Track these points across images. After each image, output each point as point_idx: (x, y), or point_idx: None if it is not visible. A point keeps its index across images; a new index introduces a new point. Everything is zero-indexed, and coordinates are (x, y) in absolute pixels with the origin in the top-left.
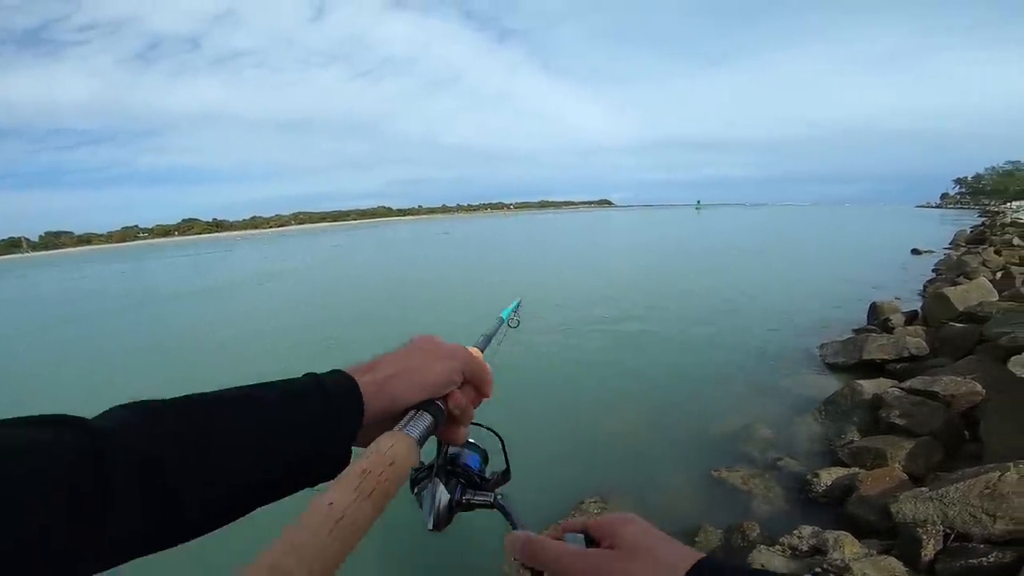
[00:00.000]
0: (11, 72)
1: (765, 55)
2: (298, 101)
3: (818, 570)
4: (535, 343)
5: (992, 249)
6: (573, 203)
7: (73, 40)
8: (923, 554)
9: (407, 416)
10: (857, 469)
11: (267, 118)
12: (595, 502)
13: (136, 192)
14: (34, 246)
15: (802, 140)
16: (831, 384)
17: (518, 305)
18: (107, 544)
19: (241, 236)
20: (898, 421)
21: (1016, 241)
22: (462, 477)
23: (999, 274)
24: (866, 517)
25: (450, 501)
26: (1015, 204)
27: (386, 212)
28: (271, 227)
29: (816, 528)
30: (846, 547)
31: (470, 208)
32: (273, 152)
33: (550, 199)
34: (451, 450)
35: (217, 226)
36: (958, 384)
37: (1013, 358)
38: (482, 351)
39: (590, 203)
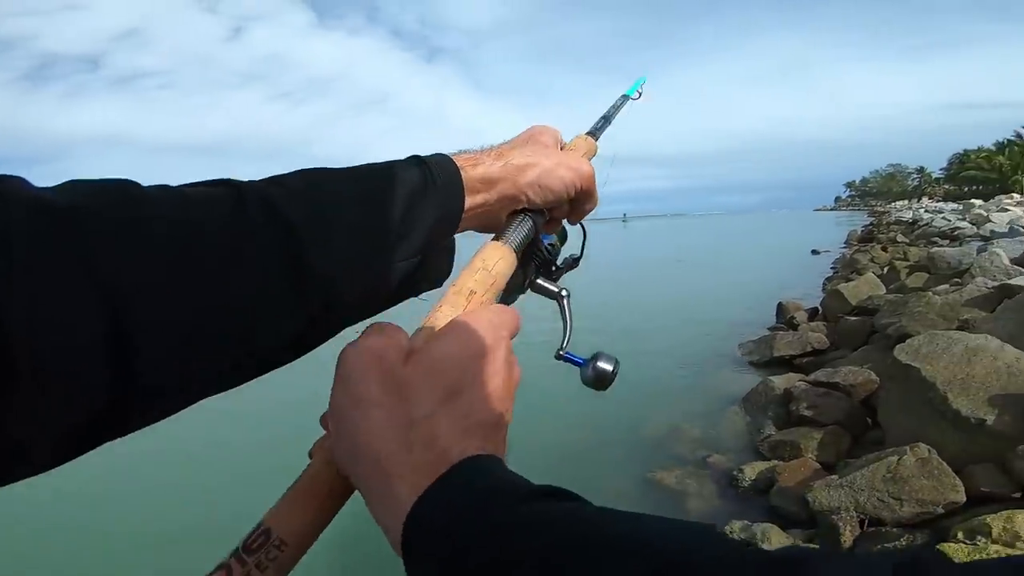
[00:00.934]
0: None
1: (675, 72)
2: (212, 124)
3: None
4: None
5: (879, 246)
6: None
7: None
8: (843, 540)
9: (513, 224)
10: (776, 461)
11: (177, 142)
12: None
13: None
14: None
15: (712, 152)
16: (750, 381)
17: (644, 81)
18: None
19: None
20: (807, 413)
21: (899, 238)
22: (538, 259)
23: (886, 269)
24: (788, 508)
25: (522, 282)
26: (898, 204)
27: None
28: None
29: (746, 522)
30: (773, 538)
31: None
32: (185, 178)
33: None
34: (534, 244)
35: None
36: (856, 374)
37: (898, 346)
38: (596, 139)
39: None
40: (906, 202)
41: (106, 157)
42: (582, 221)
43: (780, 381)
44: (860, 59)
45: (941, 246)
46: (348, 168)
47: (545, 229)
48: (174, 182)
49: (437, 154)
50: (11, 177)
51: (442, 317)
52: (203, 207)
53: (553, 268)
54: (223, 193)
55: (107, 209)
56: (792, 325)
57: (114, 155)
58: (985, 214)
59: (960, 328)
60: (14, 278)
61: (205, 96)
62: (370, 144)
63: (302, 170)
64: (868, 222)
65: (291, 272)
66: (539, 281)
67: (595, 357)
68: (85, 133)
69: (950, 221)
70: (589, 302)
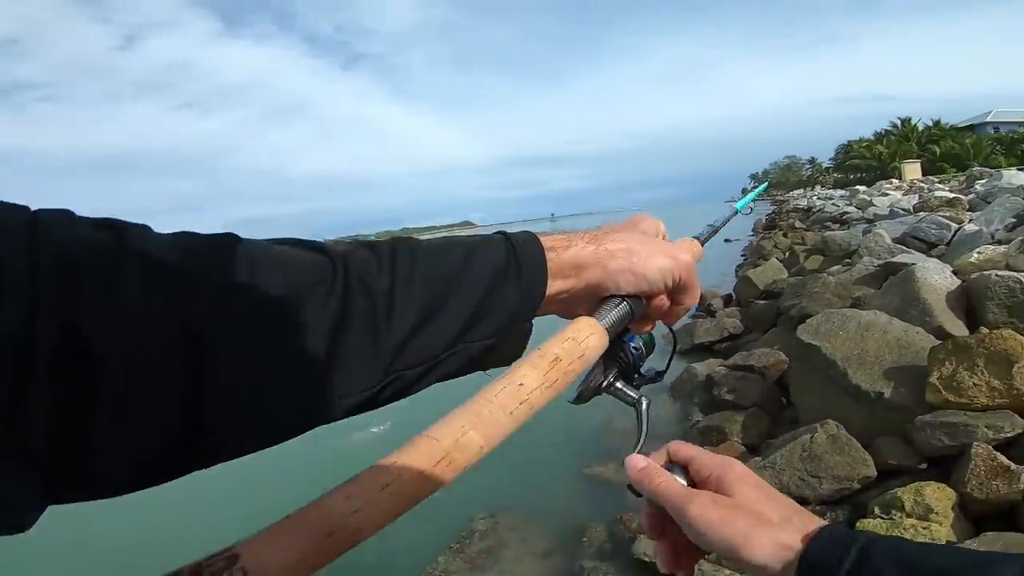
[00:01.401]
0: None
1: (589, 75)
2: (108, 138)
3: None
4: None
5: (781, 233)
6: (436, 227)
7: None
8: None
9: (609, 305)
10: (706, 447)
11: (71, 158)
12: (483, 519)
13: None
14: None
15: (628, 151)
16: (675, 369)
17: (765, 189)
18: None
19: None
20: (728, 397)
21: (797, 224)
22: (621, 363)
23: (787, 253)
24: None
25: (600, 383)
26: (795, 193)
27: None
28: None
29: None
30: None
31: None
32: (80, 195)
33: (412, 225)
34: (624, 347)
35: None
36: (768, 355)
37: (800, 326)
38: (703, 244)
39: (452, 225)
40: (802, 191)
41: None
42: (674, 327)
43: (702, 367)
44: (751, 57)
45: (833, 230)
46: (437, 241)
47: (639, 326)
48: (66, 203)
49: (524, 232)
50: (138, 225)
51: (521, 376)
52: (298, 273)
53: (635, 376)
54: (318, 261)
55: (210, 265)
56: (710, 312)
57: None
58: (869, 199)
59: (853, 305)
60: (122, 321)
61: (98, 108)
62: (293, 152)
63: (393, 240)
64: (771, 210)
65: (368, 350)
66: (618, 384)
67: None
68: None
69: (839, 207)
70: None
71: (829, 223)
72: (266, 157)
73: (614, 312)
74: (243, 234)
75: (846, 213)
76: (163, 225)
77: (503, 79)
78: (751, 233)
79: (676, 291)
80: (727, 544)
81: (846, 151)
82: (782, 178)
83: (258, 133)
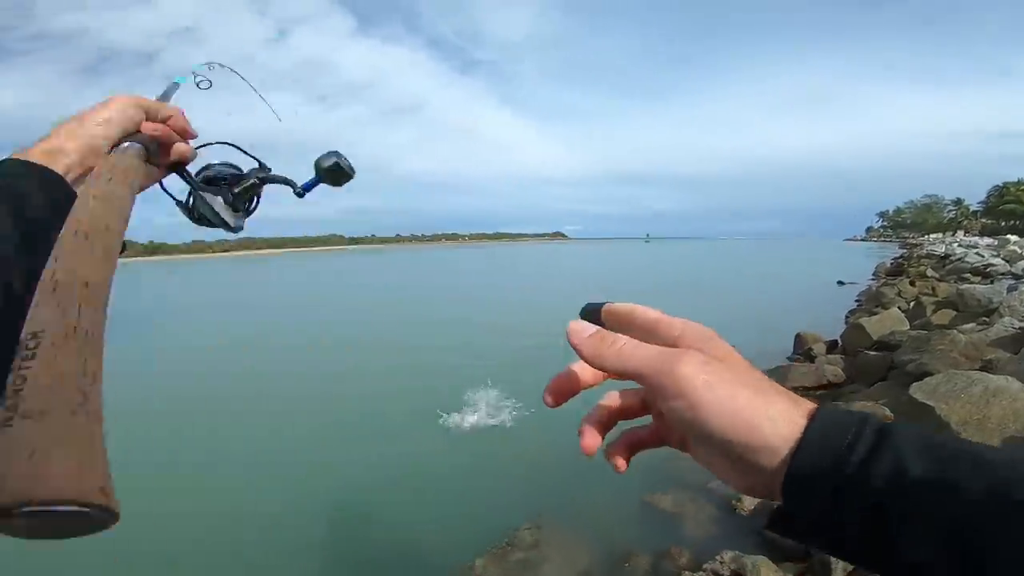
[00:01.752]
0: None
1: (695, 95)
2: (248, 123)
3: None
4: (472, 374)
5: (908, 280)
6: (527, 236)
7: (19, 49)
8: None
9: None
10: None
11: (209, 137)
12: (528, 529)
13: None
14: None
15: (729, 176)
16: None
17: (205, 67)
18: None
19: (185, 260)
20: None
21: (929, 272)
22: (224, 181)
23: (912, 304)
24: (783, 540)
25: (226, 199)
26: (932, 236)
27: (339, 240)
28: (214, 252)
29: (737, 552)
30: (762, 572)
31: (424, 239)
32: None
33: (504, 231)
34: (205, 173)
35: (155, 250)
36: (869, 409)
37: (915, 384)
38: (158, 99)
39: (544, 235)
40: (940, 235)
41: None
42: (226, 141)
43: None
44: (886, 84)
45: (972, 283)
46: None
47: (174, 155)
48: None
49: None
50: None
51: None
52: None
53: (240, 174)
54: None
55: None
56: (809, 357)
57: None
58: (1020, 251)
59: (983, 368)
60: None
61: (241, 96)
62: (399, 150)
63: None
64: (899, 254)
65: None
66: (238, 190)
67: (316, 165)
68: None
69: (983, 257)
70: None
71: (968, 275)
72: (378, 152)
73: (119, 148)
74: (354, 221)
75: (991, 265)
76: (285, 207)
77: (605, 93)
78: (871, 277)
79: (153, 116)
80: (737, 416)
81: (1000, 194)
82: (918, 219)
83: (371, 130)
